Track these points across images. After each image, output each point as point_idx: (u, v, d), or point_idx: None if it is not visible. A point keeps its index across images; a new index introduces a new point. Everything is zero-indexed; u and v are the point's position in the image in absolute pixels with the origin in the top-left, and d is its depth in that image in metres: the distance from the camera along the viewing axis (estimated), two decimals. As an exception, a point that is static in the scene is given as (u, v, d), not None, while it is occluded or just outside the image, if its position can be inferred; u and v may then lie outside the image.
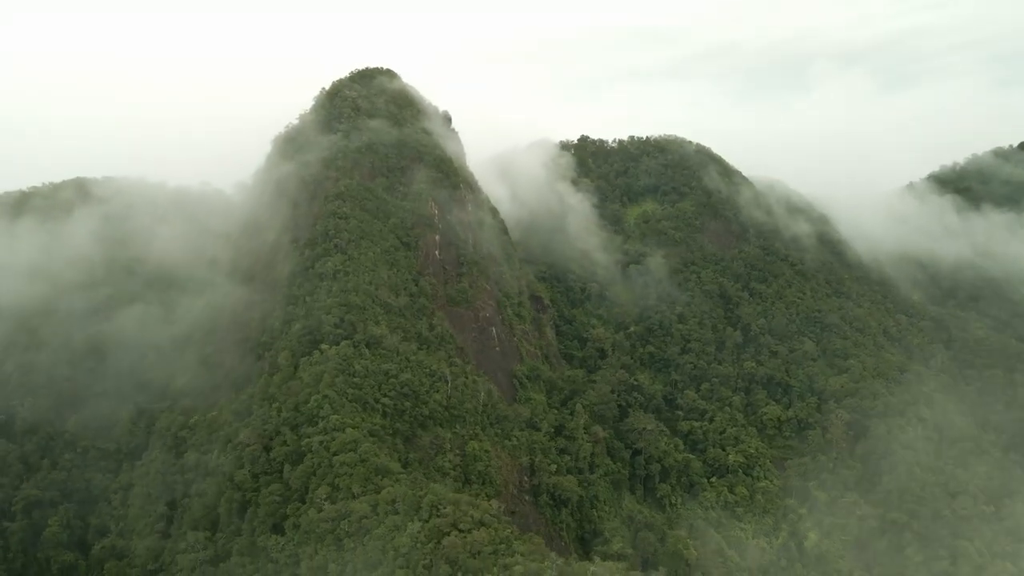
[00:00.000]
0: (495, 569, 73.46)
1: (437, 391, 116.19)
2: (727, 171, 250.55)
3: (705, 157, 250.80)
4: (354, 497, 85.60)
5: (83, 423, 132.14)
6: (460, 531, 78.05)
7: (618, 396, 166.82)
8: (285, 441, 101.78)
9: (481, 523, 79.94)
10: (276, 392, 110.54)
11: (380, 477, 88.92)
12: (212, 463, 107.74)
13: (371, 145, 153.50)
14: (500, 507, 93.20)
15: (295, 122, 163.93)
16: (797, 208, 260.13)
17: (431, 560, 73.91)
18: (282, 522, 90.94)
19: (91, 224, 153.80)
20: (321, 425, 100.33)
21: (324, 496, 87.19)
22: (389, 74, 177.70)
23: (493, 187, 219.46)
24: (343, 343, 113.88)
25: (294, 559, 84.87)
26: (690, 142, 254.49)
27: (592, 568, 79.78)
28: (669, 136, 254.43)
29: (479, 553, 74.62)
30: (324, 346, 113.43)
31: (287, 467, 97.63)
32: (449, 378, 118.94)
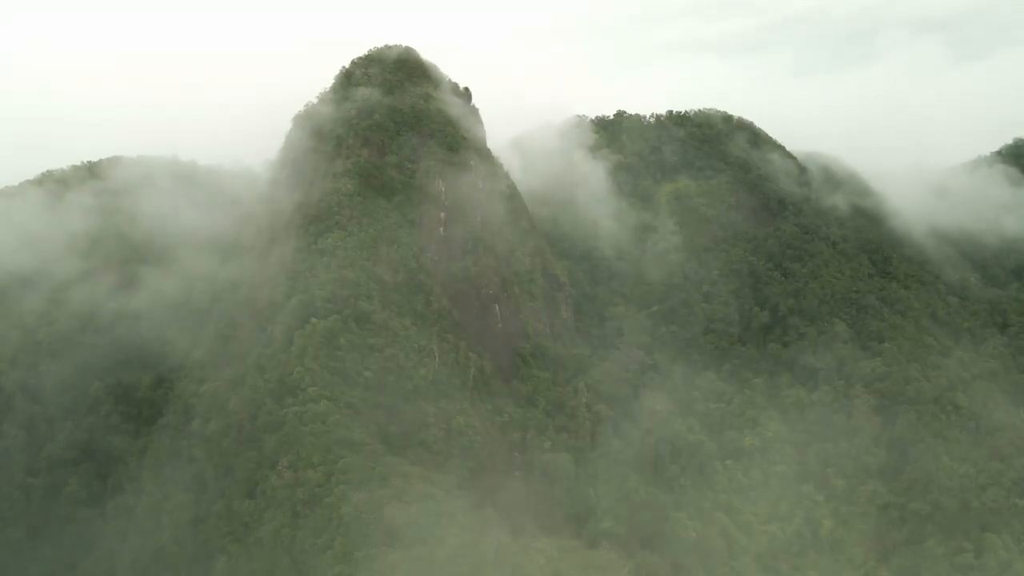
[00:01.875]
0: (431, 540, 75.01)
1: (424, 366, 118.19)
2: (769, 146, 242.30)
3: (747, 132, 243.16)
4: (313, 467, 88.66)
5: (107, 389, 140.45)
6: (403, 503, 79.79)
7: (631, 375, 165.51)
8: (269, 411, 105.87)
9: (428, 496, 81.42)
10: (267, 364, 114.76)
11: (342, 448, 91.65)
12: (208, 430, 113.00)
13: (381, 123, 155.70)
14: (458, 480, 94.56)
15: (314, 101, 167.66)
16: (846, 185, 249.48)
17: (369, 529, 76.04)
18: (254, 488, 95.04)
19: (122, 201, 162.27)
20: (300, 396, 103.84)
21: (287, 464, 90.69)
22: (408, 51, 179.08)
23: (520, 165, 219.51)
24: (333, 317, 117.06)
25: (259, 523, 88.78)
26: (731, 116, 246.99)
27: (535, 544, 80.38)
28: (708, 110, 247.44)
29: (415, 524, 76.25)
30: (314, 320, 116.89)
31: (266, 436, 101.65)
32: (437, 353, 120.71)
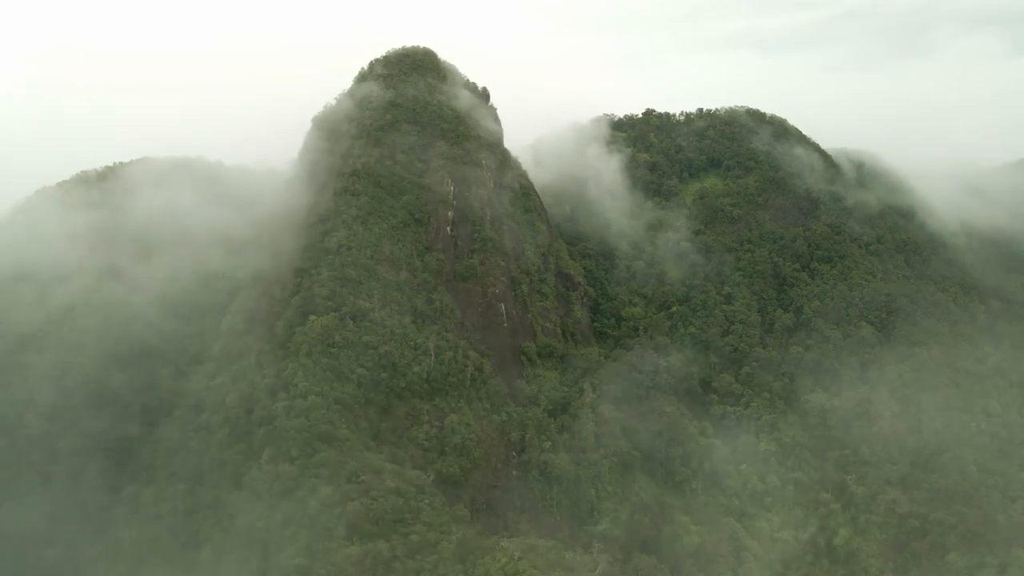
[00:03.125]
0: (393, 537, 75.76)
1: (418, 364, 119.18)
2: (804, 144, 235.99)
3: (780, 129, 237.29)
4: (291, 460, 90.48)
5: (127, 381, 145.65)
6: (371, 498, 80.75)
7: (644, 376, 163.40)
8: (264, 406, 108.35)
9: (397, 492, 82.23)
10: (266, 360, 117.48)
11: (321, 443, 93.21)
12: (208, 423, 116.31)
13: (394, 124, 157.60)
14: (430, 477, 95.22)
15: (333, 102, 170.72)
16: (885, 184, 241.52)
17: (332, 523, 77.22)
18: (241, 479, 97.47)
19: (148, 201, 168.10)
20: (291, 392, 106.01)
21: (267, 457, 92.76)
22: (425, 52, 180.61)
23: (544, 164, 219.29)
24: (331, 315, 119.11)
25: (242, 514, 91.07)
26: (763, 113, 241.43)
27: (502, 542, 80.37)
28: (739, 107, 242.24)
29: (380, 520, 77.10)
30: (312, 317, 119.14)
31: (258, 430, 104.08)
32: (432, 351, 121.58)
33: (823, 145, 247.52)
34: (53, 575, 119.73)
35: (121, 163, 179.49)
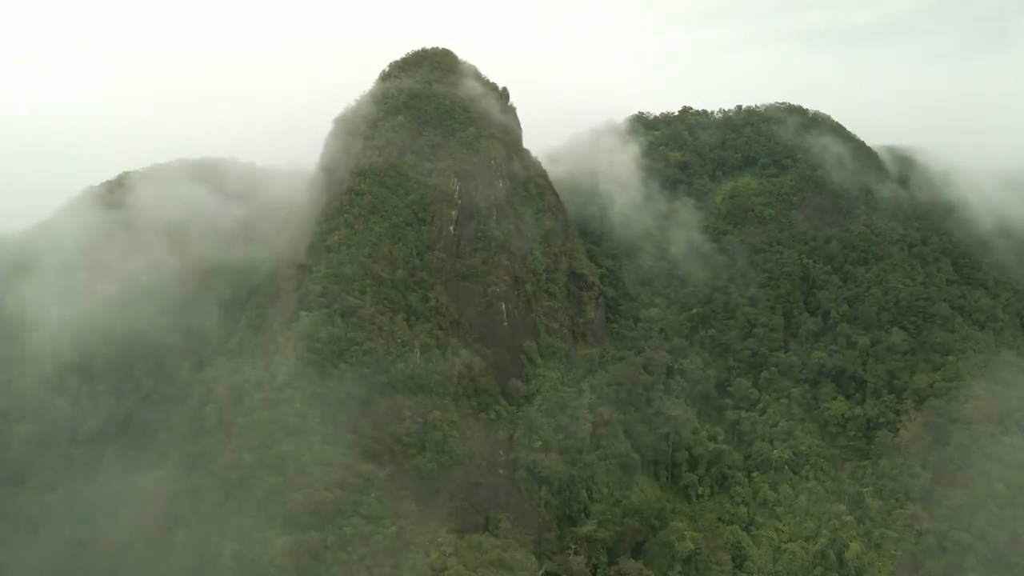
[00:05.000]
0: (328, 528, 77.93)
1: (402, 360, 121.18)
2: (848, 141, 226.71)
3: (822, 127, 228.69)
4: (252, 450, 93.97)
5: (149, 371, 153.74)
6: (315, 490, 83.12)
7: (655, 378, 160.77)
8: (251, 398, 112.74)
9: (342, 485, 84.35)
10: (259, 353, 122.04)
11: (283, 435, 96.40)
12: (202, 412, 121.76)
13: (405, 124, 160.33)
14: (390, 472, 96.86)
15: (353, 103, 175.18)
16: (939, 184, 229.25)
17: (273, 512, 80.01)
18: (214, 467, 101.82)
19: (183, 198, 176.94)
20: (272, 385, 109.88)
21: (233, 448, 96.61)
22: (444, 53, 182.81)
23: (572, 164, 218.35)
24: (321, 311, 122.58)
25: (205, 500, 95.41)
26: (805, 110, 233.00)
27: (440, 538, 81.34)
28: (780, 103, 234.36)
29: (317, 512, 79.34)
30: (303, 313, 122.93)
31: (238, 420, 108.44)
32: (418, 349, 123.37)
33: (876, 142, 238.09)
34: (67, 550, 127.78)
35: (159, 164, 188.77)
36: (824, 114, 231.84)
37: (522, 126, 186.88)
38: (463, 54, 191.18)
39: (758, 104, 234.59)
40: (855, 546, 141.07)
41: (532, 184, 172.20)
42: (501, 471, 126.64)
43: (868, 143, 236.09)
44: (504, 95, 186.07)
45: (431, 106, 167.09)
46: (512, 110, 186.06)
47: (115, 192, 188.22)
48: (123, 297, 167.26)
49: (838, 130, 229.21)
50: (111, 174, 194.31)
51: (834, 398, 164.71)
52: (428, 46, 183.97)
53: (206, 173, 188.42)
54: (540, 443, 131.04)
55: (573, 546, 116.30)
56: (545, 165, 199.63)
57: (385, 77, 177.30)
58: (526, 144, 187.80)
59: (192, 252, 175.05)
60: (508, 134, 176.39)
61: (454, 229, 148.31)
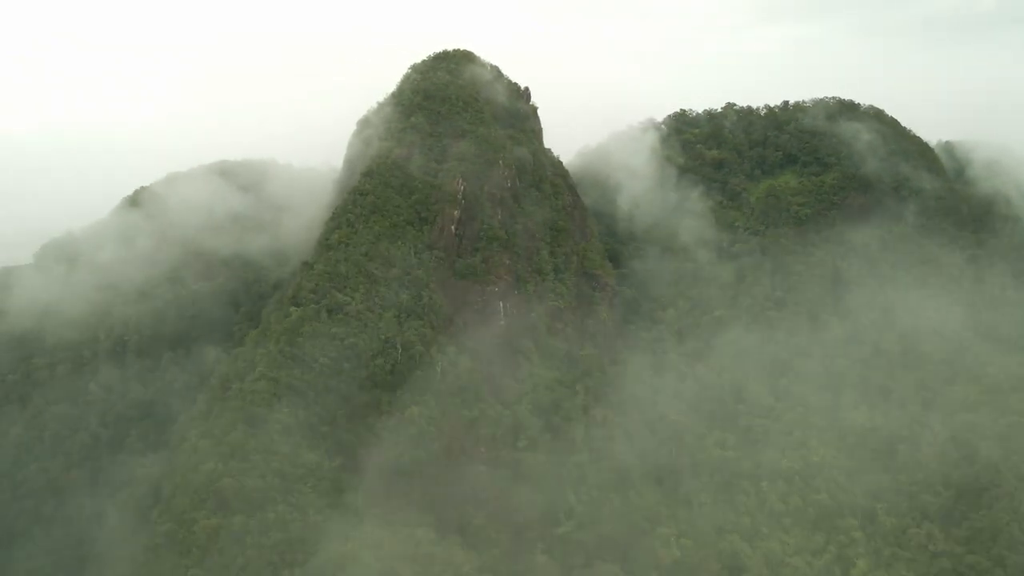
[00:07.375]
0: (256, 514, 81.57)
1: (384, 356, 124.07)
2: (902, 137, 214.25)
3: (873, 122, 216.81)
4: (212, 437, 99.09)
5: (175, 359, 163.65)
6: (252, 477, 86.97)
7: (664, 381, 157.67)
8: (233, 387, 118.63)
9: (279, 473, 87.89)
10: (253, 344, 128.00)
11: (245, 425, 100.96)
12: (200, 400, 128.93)
13: (417, 125, 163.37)
14: (335, 463, 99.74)
15: (374, 105, 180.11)
16: (1005, 181, 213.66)
17: (205, 496, 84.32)
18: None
19: (218, 199, 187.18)
20: (252, 375, 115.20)
21: (198, 433, 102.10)
22: (464, 54, 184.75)
23: (610, 163, 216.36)
24: (309, 307, 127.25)
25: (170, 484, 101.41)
26: (857, 104, 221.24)
27: (365, 531, 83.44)
28: (829, 98, 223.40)
29: (247, 497, 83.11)
30: (292, 308, 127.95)
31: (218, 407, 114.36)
32: (399, 344, 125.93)
33: (942, 139, 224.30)
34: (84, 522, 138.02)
35: (202, 164, 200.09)
36: (878, 108, 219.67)
37: (551, 125, 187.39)
38: (486, 55, 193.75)
39: (806, 99, 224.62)
40: (862, 564, 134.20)
41: (547, 184, 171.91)
42: (482, 468, 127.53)
43: (934, 140, 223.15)
44: (526, 95, 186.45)
45: (446, 107, 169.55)
46: (533, 109, 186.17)
47: (160, 193, 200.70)
48: (156, 290, 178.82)
49: (892, 125, 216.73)
50: (159, 175, 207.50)
51: (856, 407, 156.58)
52: (451, 47, 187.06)
53: (246, 173, 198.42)
54: (525, 442, 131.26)
55: (540, 545, 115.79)
56: (575, 164, 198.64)
57: (406, 78, 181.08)
58: (558, 143, 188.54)
59: (223, 249, 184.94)
60: (525, 134, 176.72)
61: (456, 228, 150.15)
